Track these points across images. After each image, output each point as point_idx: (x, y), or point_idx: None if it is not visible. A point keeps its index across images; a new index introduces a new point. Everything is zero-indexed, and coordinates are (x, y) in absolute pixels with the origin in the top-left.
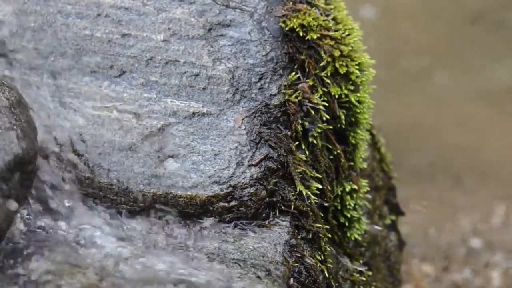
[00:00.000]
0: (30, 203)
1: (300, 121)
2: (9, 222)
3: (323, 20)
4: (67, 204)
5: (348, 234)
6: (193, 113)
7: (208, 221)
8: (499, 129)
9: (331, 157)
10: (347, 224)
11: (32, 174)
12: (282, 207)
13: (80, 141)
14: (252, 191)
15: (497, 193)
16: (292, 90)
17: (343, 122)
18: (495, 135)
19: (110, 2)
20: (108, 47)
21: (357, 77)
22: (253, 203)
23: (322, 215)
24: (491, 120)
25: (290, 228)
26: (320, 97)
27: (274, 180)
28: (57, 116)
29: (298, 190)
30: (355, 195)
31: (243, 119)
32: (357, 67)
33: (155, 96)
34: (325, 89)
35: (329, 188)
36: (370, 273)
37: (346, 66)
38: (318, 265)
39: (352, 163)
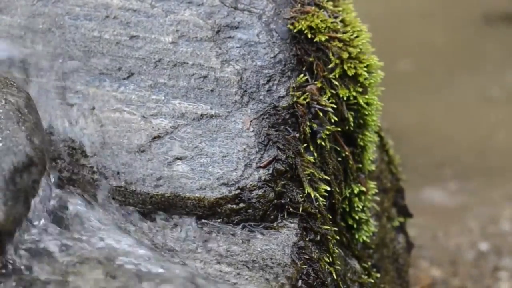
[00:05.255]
0: (37, 205)
1: (308, 123)
2: (17, 224)
3: (332, 22)
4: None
5: (357, 236)
6: (201, 115)
7: (216, 223)
8: (508, 131)
9: (340, 159)
10: (355, 226)
11: (40, 176)
12: (290, 209)
13: (88, 143)
14: (260, 193)
15: (506, 196)
16: (300, 92)
17: (352, 124)
18: (504, 137)
19: (119, 4)
20: (117, 49)
21: (365, 79)
22: (261, 205)
23: (331, 217)
24: (500, 122)
25: (298, 230)
26: (329, 99)
27: (282, 182)
28: (65, 118)
29: (306, 192)
30: (363, 197)
31: (251, 121)
32: (365, 69)
33: (163, 98)
34: (334, 91)
35: (338, 190)
36: (378, 275)
37: (355, 68)
38: (326, 267)
39: (360, 165)
